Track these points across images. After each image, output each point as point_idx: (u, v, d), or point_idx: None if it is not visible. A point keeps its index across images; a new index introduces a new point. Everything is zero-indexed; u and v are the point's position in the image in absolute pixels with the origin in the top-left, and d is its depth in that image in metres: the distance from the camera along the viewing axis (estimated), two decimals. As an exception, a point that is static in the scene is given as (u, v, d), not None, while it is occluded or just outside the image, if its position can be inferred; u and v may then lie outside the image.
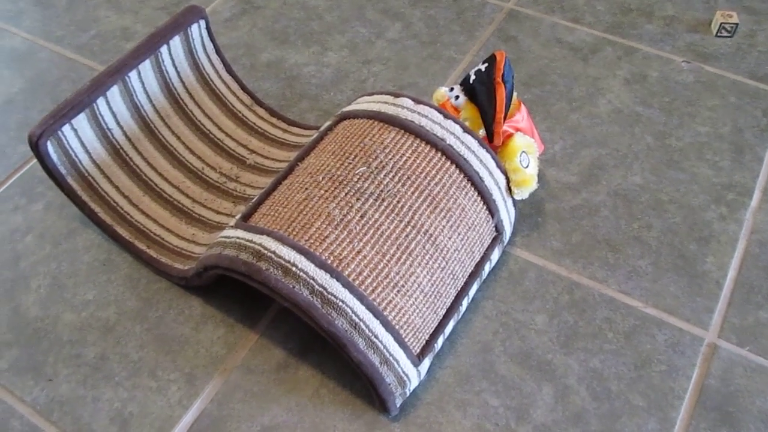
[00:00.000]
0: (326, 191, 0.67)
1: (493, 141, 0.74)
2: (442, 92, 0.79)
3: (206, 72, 0.88)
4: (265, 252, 0.63)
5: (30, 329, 0.75)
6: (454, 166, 0.70)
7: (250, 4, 1.07)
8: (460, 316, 0.72)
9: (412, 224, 0.67)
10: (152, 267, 0.77)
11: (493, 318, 0.74)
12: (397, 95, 0.74)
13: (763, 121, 0.90)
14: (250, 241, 0.65)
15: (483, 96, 0.75)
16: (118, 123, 0.80)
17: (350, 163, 0.69)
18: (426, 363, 0.67)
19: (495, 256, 0.75)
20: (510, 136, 0.76)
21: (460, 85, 0.78)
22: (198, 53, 0.86)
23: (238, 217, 0.70)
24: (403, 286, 0.64)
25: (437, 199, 0.68)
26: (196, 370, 0.71)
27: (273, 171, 0.83)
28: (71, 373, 0.72)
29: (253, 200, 0.71)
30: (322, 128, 0.77)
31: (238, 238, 0.66)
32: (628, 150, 0.88)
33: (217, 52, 0.88)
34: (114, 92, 0.78)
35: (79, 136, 0.77)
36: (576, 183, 0.85)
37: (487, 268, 0.74)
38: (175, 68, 0.84)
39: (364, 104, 0.75)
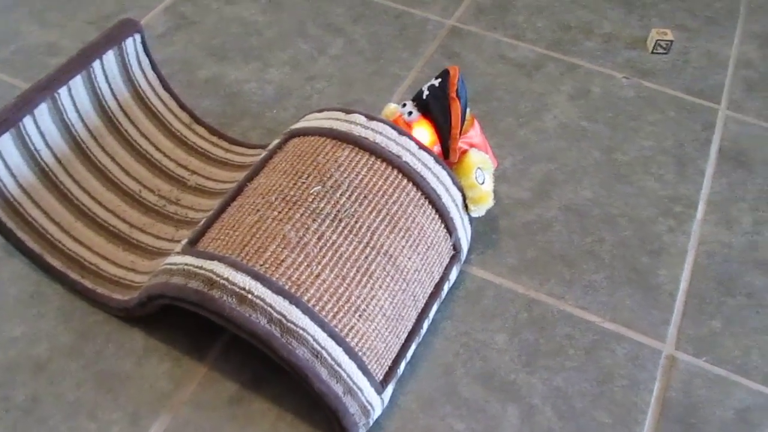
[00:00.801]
0: (280, 212, 0.64)
1: (449, 157, 0.72)
2: (392, 108, 0.77)
3: (142, 89, 0.83)
4: (217, 279, 0.59)
5: (-51, 372, 0.68)
6: (411, 184, 0.68)
7: (184, 19, 1.03)
8: (420, 339, 0.69)
9: (371, 245, 0.64)
10: (88, 298, 0.71)
11: (453, 339, 0.72)
12: (348, 111, 0.71)
13: (702, 135, 0.93)
14: (200, 268, 0.60)
15: (438, 111, 0.73)
16: (46, 143, 0.74)
17: (303, 183, 0.66)
18: (389, 390, 0.64)
19: (453, 275, 0.73)
20: (465, 152, 0.74)
21: (413, 100, 0.76)
22: (133, 69, 0.81)
23: (184, 242, 0.66)
24: (365, 310, 0.61)
25: (396, 218, 0.66)
26: (141, 408, 0.66)
27: (217, 192, 0.79)
28: (-1, 419, 0.65)
29: (200, 223, 0.67)
30: (270, 146, 0.73)
31: (186, 264, 0.62)
32: (576, 165, 0.88)
33: (153, 67, 0.84)
34: (42, 110, 0.73)
35: (3, 158, 0.71)
36: (528, 199, 0.84)
37: (446, 287, 0.72)
38: (109, 85, 0.79)
39: (314, 121, 0.72)
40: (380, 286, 0.63)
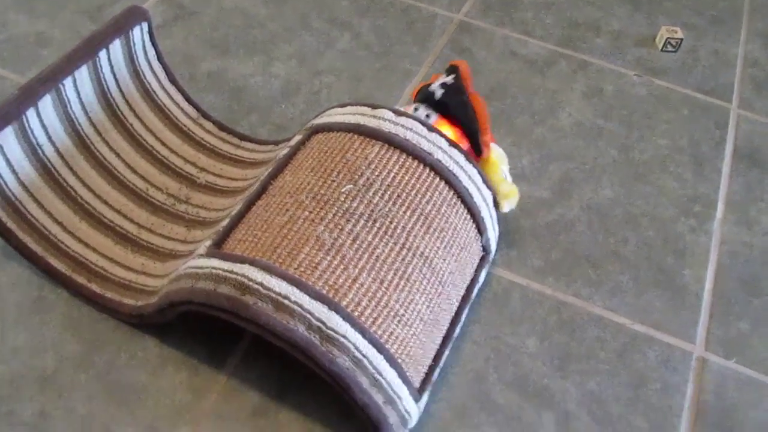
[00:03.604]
0: (311, 212, 0.60)
1: (481, 154, 0.70)
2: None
3: (147, 81, 0.78)
4: (251, 284, 0.55)
5: (-53, 385, 0.63)
6: (443, 183, 0.65)
7: (183, 10, 0.98)
8: (452, 341, 0.66)
9: (407, 246, 0.61)
10: (95, 304, 0.67)
11: (482, 343, 0.69)
12: (375, 107, 0.68)
13: (716, 134, 0.92)
14: (231, 272, 0.57)
15: (459, 109, 0.70)
16: (49, 138, 0.69)
17: (333, 181, 0.62)
18: (425, 397, 0.61)
19: (482, 276, 0.70)
20: (489, 148, 0.72)
21: (422, 102, 0.72)
22: (139, 59, 0.77)
23: (208, 243, 0.61)
24: (403, 315, 0.58)
25: (430, 218, 0.63)
26: (158, 421, 0.62)
27: (229, 190, 0.75)
28: (4, 435, 0.61)
29: (223, 224, 0.63)
30: (292, 142, 0.70)
31: (213, 268, 0.58)
32: (594, 163, 0.86)
33: (159, 58, 0.79)
34: (46, 102, 0.68)
35: (4, 153, 0.66)
36: (548, 198, 0.82)
37: (476, 290, 0.69)
38: (114, 76, 0.75)
39: (338, 116, 0.69)
40: (418, 290, 0.60)
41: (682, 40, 1.00)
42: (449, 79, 0.71)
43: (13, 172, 0.67)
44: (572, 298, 0.74)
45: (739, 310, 0.75)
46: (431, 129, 0.67)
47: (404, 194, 0.63)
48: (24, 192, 0.68)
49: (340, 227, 0.59)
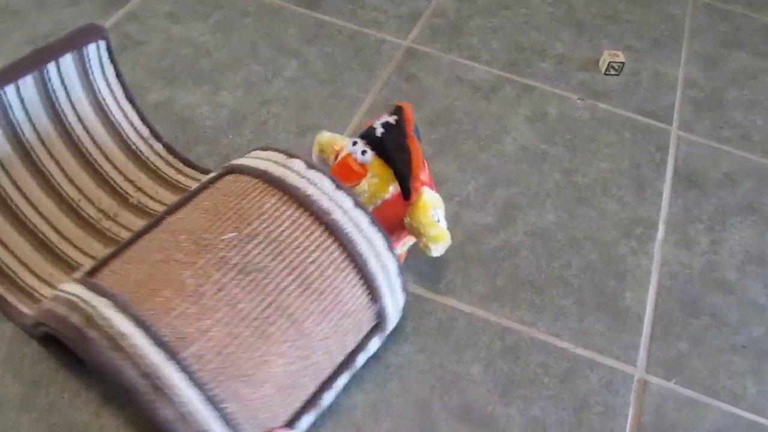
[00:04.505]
0: (185, 255, 0.60)
1: (410, 198, 0.69)
2: (340, 142, 0.74)
3: (102, 96, 0.78)
4: (97, 319, 0.55)
5: None
6: (336, 245, 0.63)
7: (130, 40, 0.98)
8: (321, 410, 0.64)
9: (275, 305, 0.59)
10: None
11: (427, 372, 0.70)
12: (290, 155, 0.67)
13: (657, 156, 0.94)
14: (86, 302, 0.57)
15: (395, 151, 0.69)
16: None
17: (220, 227, 0.62)
18: None
19: (374, 345, 0.68)
20: (421, 191, 0.70)
21: (362, 138, 0.71)
22: (94, 75, 0.77)
23: (85, 269, 0.61)
24: (252, 375, 0.57)
25: (310, 279, 0.61)
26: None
27: (155, 215, 0.75)
28: (-60, 483, 0.60)
29: (109, 252, 0.63)
30: (205, 179, 0.69)
31: (74, 295, 0.58)
32: (538, 188, 0.88)
33: (118, 76, 0.79)
34: None
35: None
36: (493, 224, 0.83)
37: (362, 358, 0.67)
38: (65, 88, 0.75)
39: (253, 159, 0.68)
40: (276, 352, 0.58)
41: (624, 63, 1.03)
42: (392, 119, 0.71)
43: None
44: (516, 324, 0.75)
45: (678, 330, 0.77)
46: (339, 187, 0.66)
47: (287, 250, 0.61)
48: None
49: (208, 275, 0.59)
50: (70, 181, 0.76)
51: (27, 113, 0.73)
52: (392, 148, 0.69)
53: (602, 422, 0.69)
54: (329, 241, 0.63)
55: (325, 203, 0.64)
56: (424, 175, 0.71)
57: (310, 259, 0.62)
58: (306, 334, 0.60)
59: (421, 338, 0.72)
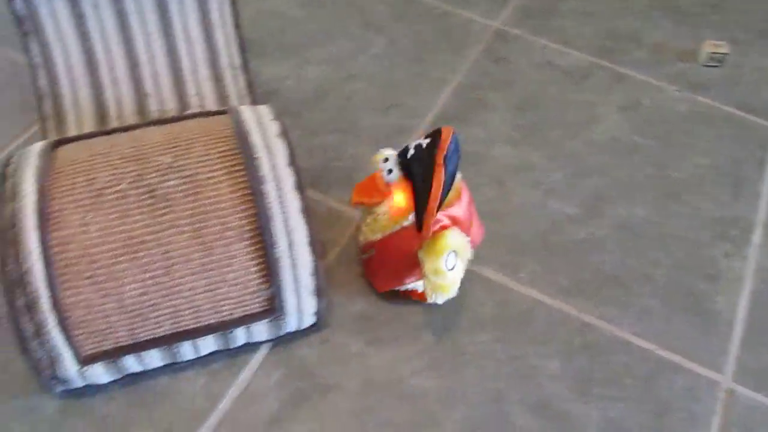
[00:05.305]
0: (119, 157, 0.63)
1: (421, 231, 0.64)
2: (379, 156, 0.69)
3: (210, 19, 0.81)
4: (17, 172, 0.61)
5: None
6: (251, 216, 0.61)
7: (220, 10, 0.98)
8: (180, 358, 0.64)
9: (158, 236, 0.60)
10: None
11: (504, 362, 0.68)
12: (275, 119, 0.68)
13: (758, 154, 0.89)
14: (26, 158, 0.63)
15: (419, 177, 0.65)
16: None
17: (166, 149, 0.64)
18: (98, 369, 0.61)
19: (260, 330, 0.65)
20: (442, 230, 0.64)
21: (398, 155, 0.67)
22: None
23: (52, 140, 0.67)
24: (101, 283, 0.58)
25: (206, 233, 0.61)
26: (175, 425, 0.62)
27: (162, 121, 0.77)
28: (26, 431, 0.62)
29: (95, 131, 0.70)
30: (212, 110, 0.72)
31: (28, 151, 0.65)
32: (628, 181, 0.84)
33: (233, 4, 0.82)
34: None
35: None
36: (579, 215, 0.80)
37: (242, 334, 0.65)
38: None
39: (251, 110, 0.69)
40: (133, 276, 0.59)
41: (727, 54, 0.97)
42: (426, 141, 0.66)
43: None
44: (598, 320, 0.72)
45: (772, 340, 0.73)
46: (291, 164, 0.63)
47: (202, 197, 0.61)
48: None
49: (119, 180, 0.61)
50: (153, 75, 0.80)
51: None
52: (417, 174, 0.64)
53: (684, 429, 0.65)
54: (247, 208, 0.61)
55: (266, 173, 0.62)
56: (456, 210, 0.66)
57: (218, 216, 0.61)
58: (173, 276, 0.60)
59: (499, 327, 0.71)
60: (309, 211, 0.62)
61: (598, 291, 0.74)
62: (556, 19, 1.03)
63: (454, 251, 0.63)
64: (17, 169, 0.62)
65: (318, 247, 0.63)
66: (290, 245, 0.61)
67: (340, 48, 0.95)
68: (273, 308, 0.63)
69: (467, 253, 0.65)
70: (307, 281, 0.63)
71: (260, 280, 0.62)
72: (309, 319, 0.66)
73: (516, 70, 0.95)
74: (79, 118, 0.80)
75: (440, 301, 0.65)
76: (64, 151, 0.64)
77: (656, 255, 0.78)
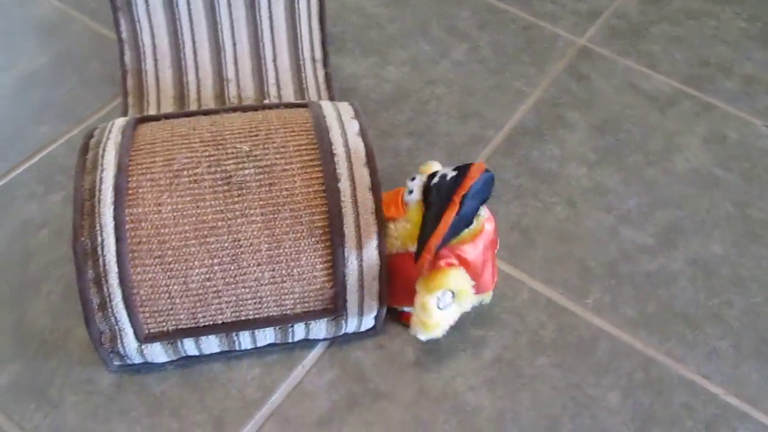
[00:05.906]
0: (200, 141, 0.63)
1: (416, 262, 0.61)
2: (428, 167, 0.69)
3: (297, 7, 0.83)
4: (100, 147, 0.62)
5: (36, 342, 0.65)
6: (324, 218, 0.60)
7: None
8: (237, 347, 0.65)
9: (229, 223, 0.60)
10: None
11: (561, 389, 0.66)
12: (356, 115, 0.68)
13: None
14: (110, 133, 0.64)
15: (433, 208, 0.62)
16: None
17: (246, 137, 0.63)
18: (156, 348, 0.61)
19: (319, 328, 0.64)
20: (446, 268, 0.61)
21: (428, 177, 0.65)
22: None
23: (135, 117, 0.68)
24: (169, 264, 0.59)
25: (278, 226, 0.60)
26: (226, 413, 0.62)
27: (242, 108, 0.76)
28: (80, 401, 0.62)
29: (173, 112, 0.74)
30: (295, 102, 0.72)
31: (113, 124, 0.66)
32: (706, 215, 0.81)
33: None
34: None
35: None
36: (652, 245, 0.78)
37: (300, 330, 0.64)
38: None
39: (333, 106, 0.69)
40: (201, 260, 0.59)
41: (822, 94, 0.93)
42: (452, 173, 0.63)
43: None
44: (663, 356, 0.70)
45: None
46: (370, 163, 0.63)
47: (277, 189, 0.61)
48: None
49: (197, 164, 0.61)
50: (235, 60, 0.82)
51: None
52: (432, 204, 0.62)
53: (746, 482, 0.63)
54: (319, 204, 0.61)
55: (342, 171, 0.62)
56: (468, 250, 0.63)
57: (290, 209, 0.60)
58: (239, 264, 0.60)
59: (559, 352, 0.69)
60: (381, 214, 0.61)
61: (666, 326, 0.72)
62: (644, 41, 1.00)
63: (450, 291, 0.61)
64: (99, 142, 0.63)
65: (385, 251, 0.62)
66: (358, 246, 0.61)
67: (421, 51, 0.95)
68: (335, 308, 0.62)
69: (468, 298, 0.62)
70: (372, 284, 0.62)
71: (325, 278, 0.61)
72: (368, 323, 0.66)
73: (598, 90, 0.93)
74: (159, 96, 0.81)
75: (421, 337, 0.62)
76: (146, 128, 0.65)
77: (730, 296, 0.75)
